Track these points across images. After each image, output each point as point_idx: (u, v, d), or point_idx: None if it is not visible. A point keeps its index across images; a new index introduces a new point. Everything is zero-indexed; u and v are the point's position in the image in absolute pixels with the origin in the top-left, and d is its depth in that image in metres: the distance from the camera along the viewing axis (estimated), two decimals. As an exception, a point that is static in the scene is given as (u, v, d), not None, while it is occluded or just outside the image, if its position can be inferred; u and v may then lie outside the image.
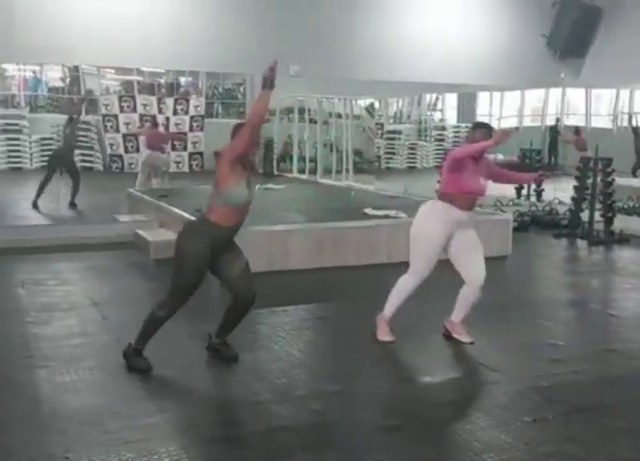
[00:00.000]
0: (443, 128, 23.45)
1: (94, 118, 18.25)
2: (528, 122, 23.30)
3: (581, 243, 9.17)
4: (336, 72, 11.38)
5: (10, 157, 17.95)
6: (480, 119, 20.58)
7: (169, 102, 19.04)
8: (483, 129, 4.66)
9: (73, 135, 11.57)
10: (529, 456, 3.26)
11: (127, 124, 18.27)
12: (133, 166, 17.39)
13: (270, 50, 9.67)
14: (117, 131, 18.39)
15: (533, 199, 12.41)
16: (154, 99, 19.07)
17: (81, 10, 9.33)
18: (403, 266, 4.82)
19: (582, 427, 3.56)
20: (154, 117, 16.01)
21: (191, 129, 19.09)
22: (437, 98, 24.81)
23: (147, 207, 9.39)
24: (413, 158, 22.37)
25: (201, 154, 19.02)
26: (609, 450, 3.32)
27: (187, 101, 19.34)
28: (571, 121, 19.88)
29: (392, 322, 4.84)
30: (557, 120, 21.10)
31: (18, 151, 18.02)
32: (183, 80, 21.58)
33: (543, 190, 12.65)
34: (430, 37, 11.50)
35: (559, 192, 11.81)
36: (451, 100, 25.39)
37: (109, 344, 4.74)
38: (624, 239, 9.16)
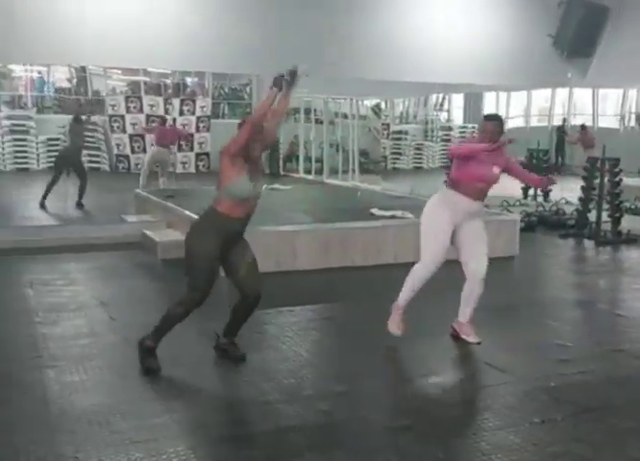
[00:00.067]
0: (449, 128, 23.42)
1: (101, 119, 18.31)
2: (535, 122, 23.27)
3: (589, 243, 9.14)
4: (344, 72, 11.38)
5: (17, 157, 18.03)
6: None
7: (176, 102, 19.10)
8: (494, 120, 4.69)
9: (81, 136, 11.54)
10: (538, 457, 3.25)
11: (133, 124, 18.32)
12: (139, 166, 17.35)
13: (276, 50, 9.71)
14: (124, 131, 18.45)
15: (540, 199, 12.38)
16: (160, 99, 19.13)
17: (87, 11, 9.36)
18: (409, 267, 4.80)
19: (590, 428, 3.56)
20: (163, 116, 16.01)
21: (198, 129, 19.12)
22: (444, 98, 24.80)
23: (154, 208, 9.42)
24: (419, 159, 22.37)
25: (207, 154, 19.06)
26: (617, 451, 3.32)
27: (194, 101, 19.37)
28: (578, 121, 19.83)
29: (405, 315, 4.79)
30: (564, 120, 21.06)
31: (25, 152, 18.10)
32: (189, 80, 21.61)
33: (550, 190, 12.60)
34: (437, 38, 11.52)
35: (566, 192, 11.78)
36: (457, 100, 25.39)
37: (116, 344, 4.76)
38: (631, 240, 9.13)
